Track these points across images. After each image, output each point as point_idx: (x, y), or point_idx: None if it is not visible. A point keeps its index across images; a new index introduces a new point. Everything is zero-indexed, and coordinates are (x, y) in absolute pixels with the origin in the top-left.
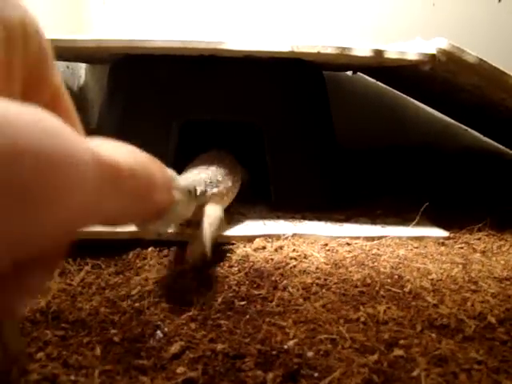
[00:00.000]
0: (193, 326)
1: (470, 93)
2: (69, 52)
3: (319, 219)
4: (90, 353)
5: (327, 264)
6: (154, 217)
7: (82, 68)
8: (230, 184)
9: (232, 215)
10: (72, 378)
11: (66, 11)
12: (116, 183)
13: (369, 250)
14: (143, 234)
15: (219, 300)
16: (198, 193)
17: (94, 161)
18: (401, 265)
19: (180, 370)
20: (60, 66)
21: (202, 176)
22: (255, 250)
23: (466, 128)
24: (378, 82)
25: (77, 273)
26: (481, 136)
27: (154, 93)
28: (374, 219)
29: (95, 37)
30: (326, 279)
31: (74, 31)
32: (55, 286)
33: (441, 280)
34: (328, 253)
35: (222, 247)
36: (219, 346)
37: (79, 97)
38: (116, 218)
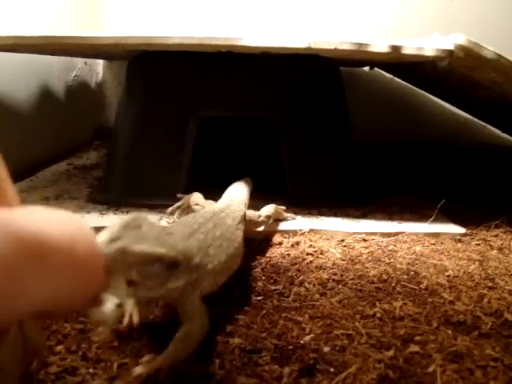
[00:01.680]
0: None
1: (489, 89)
2: (87, 49)
3: (336, 215)
4: (108, 346)
5: (343, 260)
6: (90, 303)
7: (99, 64)
8: (223, 259)
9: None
10: (91, 370)
11: (82, 6)
12: (40, 260)
13: (385, 246)
14: (96, 325)
15: (236, 295)
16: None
17: (12, 237)
18: (417, 261)
19: (197, 363)
20: (78, 62)
21: (191, 242)
22: (272, 245)
23: (485, 124)
24: (395, 78)
25: None
26: (499, 132)
27: (171, 89)
28: (390, 215)
29: (113, 34)
30: (342, 275)
31: (90, 26)
32: None
33: (457, 277)
34: (344, 249)
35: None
36: (236, 341)
37: (97, 93)
38: (51, 304)
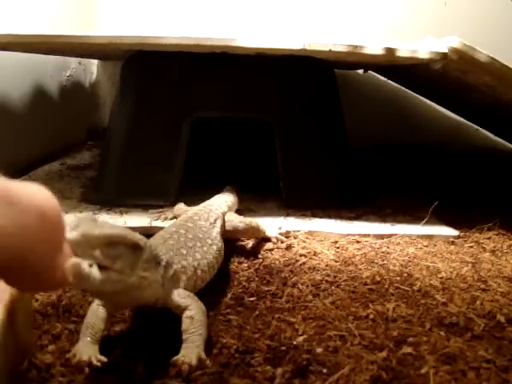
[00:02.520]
0: None
1: (482, 92)
2: (82, 48)
3: (329, 217)
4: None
5: (337, 261)
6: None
7: (93, 65)
8: (198, 255)
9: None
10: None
11: (77, 6)
12: (5, 199)
13: (378, 248)
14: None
15: (229, 295)
16: (163, 263)
17: None
18: (410, 263)
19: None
20: (72, 62)
21: (160, 246)
22: (265, 246)
23: (477, 127)
24: (389, 81)
25: None
26: (492, 136)
27: (165, 89)
28: (383, 217)
29: (108, 33)
30: (335, 276)
31: (85, 26)
32: None
33: (450, 278)
34: (338, 250)
35: (232, 244)
36: (229, 341)
37: (91, 93)
38: (19, 246)
